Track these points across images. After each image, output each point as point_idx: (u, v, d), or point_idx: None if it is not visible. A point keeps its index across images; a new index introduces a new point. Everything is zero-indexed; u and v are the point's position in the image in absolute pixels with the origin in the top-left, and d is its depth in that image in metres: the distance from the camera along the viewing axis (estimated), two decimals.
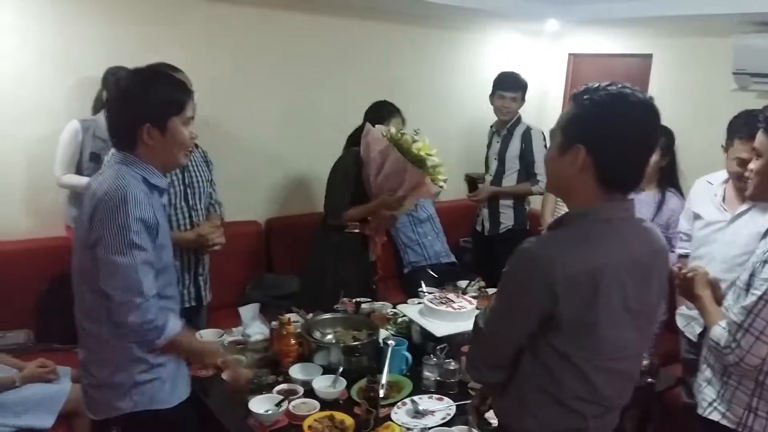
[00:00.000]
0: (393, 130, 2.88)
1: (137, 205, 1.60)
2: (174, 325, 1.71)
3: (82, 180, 2.90)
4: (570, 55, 4.85)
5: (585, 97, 1.36)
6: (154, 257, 1.66)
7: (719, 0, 3.29)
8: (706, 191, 2.59)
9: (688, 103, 3.92)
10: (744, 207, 2.39)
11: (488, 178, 4.02)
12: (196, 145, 2.67)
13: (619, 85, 1.35)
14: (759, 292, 1.62)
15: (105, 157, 2.49)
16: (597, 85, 1.37)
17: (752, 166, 1.79)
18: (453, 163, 4.45)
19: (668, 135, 2.93)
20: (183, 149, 1.76)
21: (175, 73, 2.32)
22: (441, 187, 2.90)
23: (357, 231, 3.07)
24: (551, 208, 3.77)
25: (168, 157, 1.74)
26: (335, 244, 3.10)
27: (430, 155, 2.82)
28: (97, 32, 3.18)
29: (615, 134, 1.32)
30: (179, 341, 1.75)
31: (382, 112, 3.14)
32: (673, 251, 2.90)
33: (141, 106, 1.66)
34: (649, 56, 4.20)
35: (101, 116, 2.99)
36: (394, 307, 2.78)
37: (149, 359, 1.72)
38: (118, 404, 1.72)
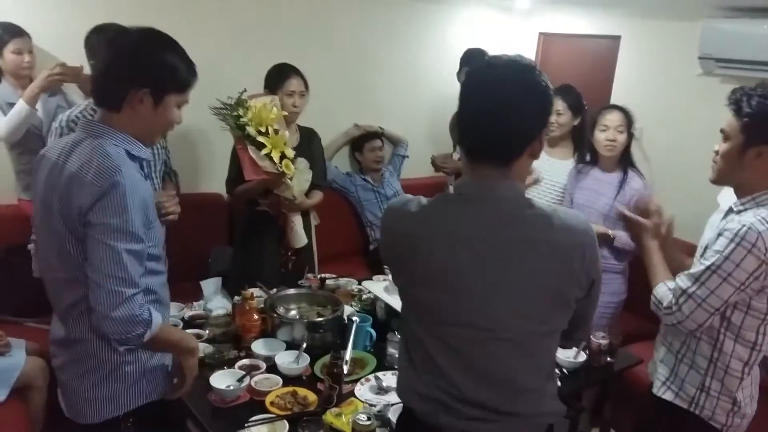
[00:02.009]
0: (254, 101, 2.63)
1: (132, 185, 1.45)
2: (157, 315, 1.53)
3: (20, 110, 2.72)
4: (540, 34, 4.84)
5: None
6: (147, 236, 1.52)
7: None
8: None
9: (654, 85, 3.96)
10: None
11: (455, 155, 4.02)
12: None
13: (498, 59, 1.35)
14: (708, 262, 1.67)
15: (56, 123, 2.37)
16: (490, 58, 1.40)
17: (717, 147, 1.77)
18: (420, 139, 4.47)
19: (627, 115, 2.96)
20: (166, 129, 1.64)
21: None
22: (282, 172, 2.64)
23: (260, 209, 2.90)
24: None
25: (148, 131, 1.58)
26: (245, 221, 3.05)
27: (263, 133, 2.58)
28: None
29: (465, 100, 1.35)
30: (162, 333, 1.56)
31: (272, 77, 2.91)
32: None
33: (147, 68, 1.50)
34: (617, 38, 4.21)
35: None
36: (360, 284, 2.77)
37: None
38: (127, 398, 1.58)
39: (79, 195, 1.43)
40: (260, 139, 2.58)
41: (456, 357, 1.36)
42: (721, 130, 1.75)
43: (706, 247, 1.76)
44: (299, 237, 2.88)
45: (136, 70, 1.50)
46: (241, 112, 2.59)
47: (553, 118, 3.23)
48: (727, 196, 2.60)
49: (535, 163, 3.33)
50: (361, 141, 4.12)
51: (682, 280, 1.73)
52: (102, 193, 1.41)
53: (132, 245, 1.45)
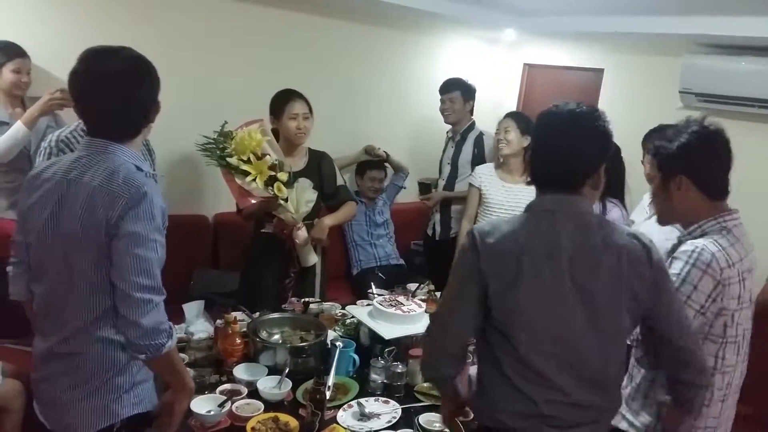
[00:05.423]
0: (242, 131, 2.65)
1: (156, 196, 1.51)
2: (175, 332, 1.58)
3: (17, 132, 2.71)
4: (525, 65, 4.93)
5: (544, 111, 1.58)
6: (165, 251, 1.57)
7: (669, 20, 3.40)
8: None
9: (636, 118, 4.01)
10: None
11: (441, 182, 4.06)
12: None
13: (568, 103, 1.54)
14: None
15: (45, 142, 2.37)
16: (558, 103, 1.56)
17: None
18: (407, 164, 4.49)
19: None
20: None
21: None
22: (274, 194, 2.66)
23: (264, 231, 2.90)
24: (474, 207, 3.63)
25: (147, 134, 1.69)
26: (251, 242, 3.06)
27: (246, 161, 2.61)
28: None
29: (536, 140, 1.60)
30: (174, 353, 1.61)
31: (276, 102, 2.94)
32: None
33: (152, 84, 1.60)
34: (600, 71, 4.31)
35: None
36: (343, 308, 2.76)
37: None
38: (117, 409, 1.57)
39: (107, 206, 1.47)
40: (243, 167, 2.60)
41: (563, 363, 1.46)
42: (647, 174, 1.85)
43: None
44: (307, 256, 2.87)
45: (149, 90, 1.58)
46: (227, 143, 2.62)
47: (501, 135, 3.42)
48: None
49: (506, 192, 3.43)
50: (364, 167, 4.14)
51: None
52: (133, 203, 1.47)
53: (159, 253, 1.51)
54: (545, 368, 1.46)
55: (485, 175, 3.52)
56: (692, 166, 1.73)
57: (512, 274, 1.45)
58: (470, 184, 3.62)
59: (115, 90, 1.53)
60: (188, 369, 2.12)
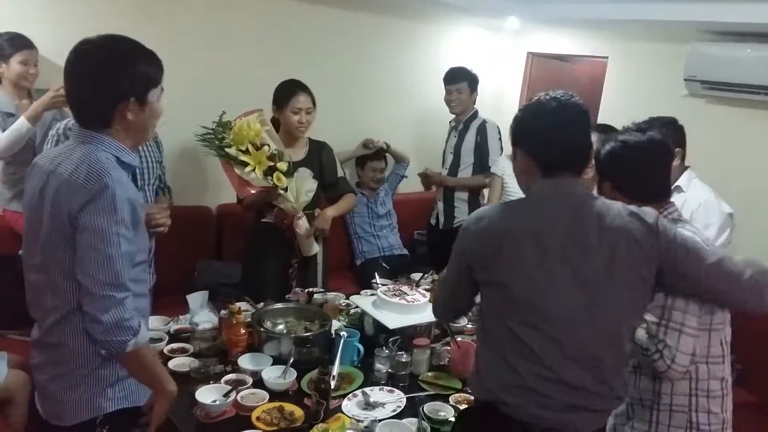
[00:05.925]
0: (240, 121, 2.65)
1: (121, 188, 1.47)
2: (145, 331, 1.54)
3: (21, 127, 2.71)
4: (529, 53, 4.91)
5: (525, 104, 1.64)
6: (134, 245, 1.53)
7: (674, 7, 3.38)
8: None
9: (640, 106, 3.97)
10: None
11: (444, 172, 4.05)
12: None
13: (551, 94, 1.57)
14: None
15: (53, 130, 2.36)
16: (548, 92, 1.58)
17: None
18: (410, 155, 4.48)
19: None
20: (155, 123, 1.66)
21: None
22: (274, 184, 2.66)
23: (265, 221, 2.90)
24: (497, 194, 3.74)
25: (142, 132, 1.62)
26: (251, 232, 3.05)
27: (244, 151, 2.60)
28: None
29: (529, 128, 1.58)
30: (145, 353, 1.57)
31: (280, 93, 2.92)
32: None
33: (126, 79, 1.51)
34: (605, 59, 4.28)
35: None
36: (347, 298, 2.76)
37: None
38: (100, 402, 1.57)
39: (69, 198, 1.45)
40: (242, 158, 2.60)
41: (549, 339, 1.46)
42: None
43: None
44: (308, 245, 2.88)
45: (115, 85, 1.51)
46: (226, 134, 2.61)
47: None
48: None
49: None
50: (365, 158, 4.14)
51: (650, 315, 1.69)
52: (92, 195, 1.43)
53: (122, 248, 1.46)
54: (531, 341, 1.47)
55: (507, 165, 3.57)
56: (613, 175, 1.80)
57: (493, 251, 1.51)
58: (493, 173, 3.73)
59: (84, 79, 1.52)
60: (193, 359, 2.15)
